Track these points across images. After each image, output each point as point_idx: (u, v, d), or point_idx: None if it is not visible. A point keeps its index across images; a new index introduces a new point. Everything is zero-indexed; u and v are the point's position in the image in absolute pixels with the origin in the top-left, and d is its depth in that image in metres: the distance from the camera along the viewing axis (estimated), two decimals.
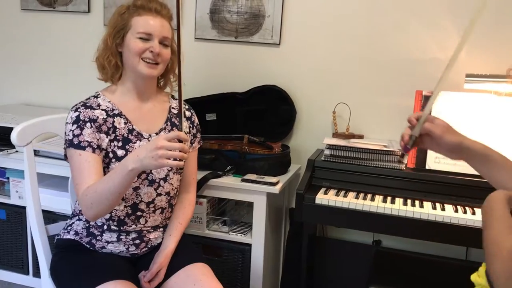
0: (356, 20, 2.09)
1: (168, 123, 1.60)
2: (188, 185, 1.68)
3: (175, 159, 1.28)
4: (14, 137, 1.60)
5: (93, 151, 1.42)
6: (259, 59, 2.23)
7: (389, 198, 1.77)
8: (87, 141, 1.42)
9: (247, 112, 2.24)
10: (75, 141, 1.42)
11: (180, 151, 1.28)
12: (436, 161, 1.83)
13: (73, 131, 1.43)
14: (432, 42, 2.01)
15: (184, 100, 2.15)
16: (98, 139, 1.44)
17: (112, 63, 1.50)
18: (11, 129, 2.12)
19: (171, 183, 1.57)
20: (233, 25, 2.21)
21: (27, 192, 1.65)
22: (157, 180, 1.53)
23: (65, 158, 1.51)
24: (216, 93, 2.24)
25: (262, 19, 2.17)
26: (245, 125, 2.24)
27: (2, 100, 2.64)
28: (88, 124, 1.44)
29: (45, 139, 2.20)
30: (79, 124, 1.44)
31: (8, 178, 2.29)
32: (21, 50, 2.60)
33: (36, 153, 2.11)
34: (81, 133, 1.43)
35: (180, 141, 1.30)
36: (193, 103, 2.17)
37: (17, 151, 2.18)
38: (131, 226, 1.51)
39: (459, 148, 1.15)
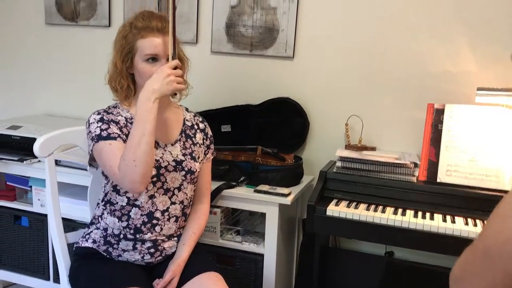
0: (367, 34, 2.12)
1: (183, 134, 1.66)
2: (202, 195, 1.73)
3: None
4: (36, 148, 1.68)
5: (124, 142, 1.48)
6: (273, 72, 2.28)
7: (400, 210, 1.79)
8: (116, 132, 1.49)
9: (261, 123, 2.28)
10: (104, 134, 1.48)
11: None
12: (447, 174, 1.84)
13: (99, 127, 1.50)
14: (443, 55, 2.03)
15: (200, 112, 2.23)
16: (124, 136, 1.50)
17: (124, 87, 1.56)
18: (34, 139, 2.21)
19: (185, 192, 1.62)
20: (248, 39, 2.27)
21: (48, 201, 1.72)
22: (172, 189, 1.58)
23: (90, 163, 1.57)
24: (231, 105, 2.29)
25: (276, 33, 2.22)
26: (259, 137, 2.28)
27: (27, 110, 2.74)
28: (112, 123, 1.51)
29: (66, 149, 2.28)
30: (104, 121, 1.51)
31: (31, 186, 2.37)
32: (45, 62, 2.69)
33: (57, 162, 2.19)
34: (108, 127, 1.49)
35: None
36: (209, 114, 2.24)
37: (39, 161, 2.26)
38: (146, 234, 1.56)
39: None
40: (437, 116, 1.90)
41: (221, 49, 2.32)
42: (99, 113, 1.54)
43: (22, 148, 2.30)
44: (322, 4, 2.16)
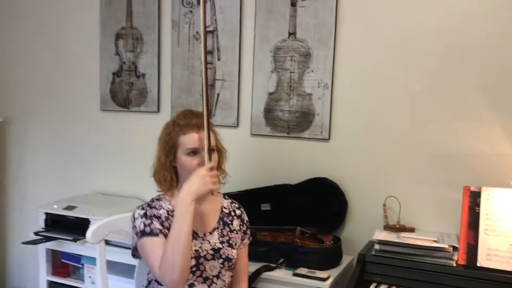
0: (402, 115, 2.19)
1: (221, 222, 1.75)
2: (239, 279, 1.79)
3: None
4: (89, 236, 1.81)
5: (165, 237, 1.58)
6: (310, 153, 2.37)
7: None
8: (158, 228, 1.60)
9: (299, 202, 2.34)
10: (147, 230, 1.60)
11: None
12: (487, 258, 1.81)
13: (144, 222, 1.61)
14: (478, 137, 2.05)
15: (241, 191, 2.33)
16: (165, 229, 1.61)
17: (167, 179, 1.70)
18: (87, 220, 2.39)
19: (223, 280, 1.69)
20: (285, 122, 2.39)
21: (98, 281, 1.86)
22: (211, 277, 1.66)
23: (133, 254, 1.69)
24: (271, 185, 2.38)
25: (312, 117, 2.33)
26: (298, 215, 2.33)
27: (83, 189, 2.94)
28: (155, 218, 1.62)
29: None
30: (147, 217, 1.62)
31: (83, 264, 2.52)
32: (100, 145, 2.92)
33: (108, 242, 2.33)
34: (151, 222, 1.61)
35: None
36: (249, 194, 2.34)
37: None
38: None
39: None
40: (474, 199, 1.90)
41: (260, 131, 2.45)
42: (143, 208, 1.67)
43: (76, 227, 2.47)
44: (354, 89, 2.27)
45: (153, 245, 1.58)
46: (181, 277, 1.52)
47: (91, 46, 2.86)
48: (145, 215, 1.64)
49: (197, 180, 1.57)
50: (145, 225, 1.61)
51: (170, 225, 1.62)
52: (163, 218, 1.65)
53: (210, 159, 1.63)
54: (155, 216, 1.64)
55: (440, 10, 2.09)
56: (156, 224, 1.61)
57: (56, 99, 3.01)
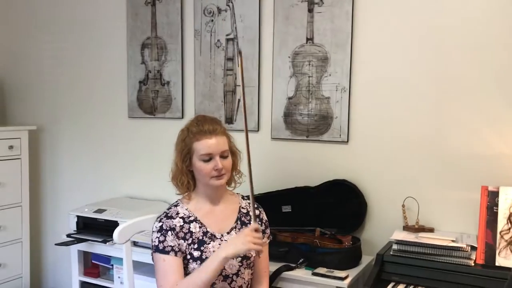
0: (419, 119, 2.21)
1: (238, 222, 1.82)
2: (260, 278, 1.85)
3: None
4: (116, 237, 1.92)
5: (175, 254, 1.68)
6: (329, 155, 2.41)
7: None
8: (170, 245, 1.69)
9: (319, 204, 2.39)
10: (160, 246, 1.69)
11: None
12: (506, 258, 1.81)
13: (158, 237, 1.71)
14: (496, 137, 2.05)
15: (262, 194, 2.39)
16: (179, 244, 1.70)
17: (184, 183, 1.79)
18: (116, 222, 2.49)
19: (242, 277, 1.75)
20: (304, 126, 2.44)
21: (125, 281, 1.96)
22: (230, 275, 1.73)
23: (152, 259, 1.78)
24: (291, 187, 2.44)
25: (331, 120, 2.37)
26: (319, 217, 2.38)
27: (112, 194, 3.06)
28: (169, 232, 1.71)
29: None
30: (162, 232, 1.71)
31: (112, 265, 2.62)
32: (127, 150, 3.03)
33: (135, 243, 2.43)
34: (165, 239, 1.70)
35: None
36: (270, 196, 2.40)
37: None
38: None
39: None
40: (492, 198, 1.91)
41: (280, 135, 2.51)
42: (160, 221, 1.75)
43: (106, 229, 2.58)
44: (372, 92, 2.30)
45: (164, 266, 1.67)
46: None
47: (119, 56, 2.99)
48: (160, 229, 1.72)
49: (238, 239, 1.63)
50: (159, 241, 1.70)
51: (184, 234, 1.72)
52: (178, 229, 1.73)
53: (254, 220, 1.72)
54: (170, 228, 1.72)
55: (456, 11, 2.11)
56: (169, 241, 1.70)
57: (86, 107, 3.15)
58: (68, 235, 2.64)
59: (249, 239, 1.59)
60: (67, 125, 3.23)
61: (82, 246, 2.65)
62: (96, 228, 2.65)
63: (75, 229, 2.70)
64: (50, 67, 3.26)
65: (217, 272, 1.61)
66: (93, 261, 2.74)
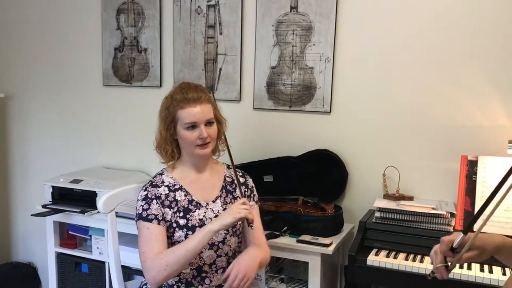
0: (401, 91, 2.24)
1: (223, 190, 1.82)
2: (257, 239, 1.81)
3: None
4: (100, 206, 1.88)
5: (159, 223, 1.67)
6: (311, 125, 2.42)
7: None
8: (154, 214, 1.67)
9: (301, 174, 2.41)
10: (144, 214, 1.68)
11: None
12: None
13: (142, 206, 1.69)
14: (475, 109, 2.12)
15: (244, 164, 2.39)
16: (163, 213, 1.69)
17: (169, 152, 1.76)
18: (94, 192, 2.44)
19: (229, 245, 1.76)
20: (287, 96, 2.44)
21: (110, 252, 1.92)
22: (216, 243, 1.73)
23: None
24: (273, 157, 2.44)
25: (314, 90, 2.38)
26: (300, 186, 2.40)
27: (86, 164, 2.99)
28: (154, 201, 1.69)
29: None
30: (147, 200, 1.69)
31: (90, 235, 2.58)
32: (102, 120, 2.95)
33: (116, 214, 2.39)
34: (149, 207, 1.68)
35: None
36: (252, 166, 2.40)
37: (98, 212, 2.46)
38: (197, 287, 1.71)
39: (497, 253, 1.23)
40: (471, 167, 1.98)
41: (263, 105, 2.50)
42: (146, 189, 1.73)
43: (83, 200, 2.53)
44: (356, 63, 2.31)
45: (148, 234, 1.65)
46: (162, 281, 1.61)
47: (93, 21, 2.87)
48: (145, 197, 1.71)
49: (226, 212, 1.65)
50: (143, 209, 1.69)
51: (170, 202, 1.71)
52: (163, 197, 1.71)
53: (244, 196, 1.74)
54: (156, 196, 1.70)
55: None
56: (153, 209, 1.68)
57: (58, 74, 3.03)
58: (44, 206, 2.56)
59: (235, 210, 1.60)
60: (38, 92, 3.10)
61: (58, 217, 2.59)
62: (72, 198, 2.59)
63: (50, 199, 2.63)
64: (18, 32, 3.10)
65: (202, 244, 1.59)
66: (69, 232, 2.69)
